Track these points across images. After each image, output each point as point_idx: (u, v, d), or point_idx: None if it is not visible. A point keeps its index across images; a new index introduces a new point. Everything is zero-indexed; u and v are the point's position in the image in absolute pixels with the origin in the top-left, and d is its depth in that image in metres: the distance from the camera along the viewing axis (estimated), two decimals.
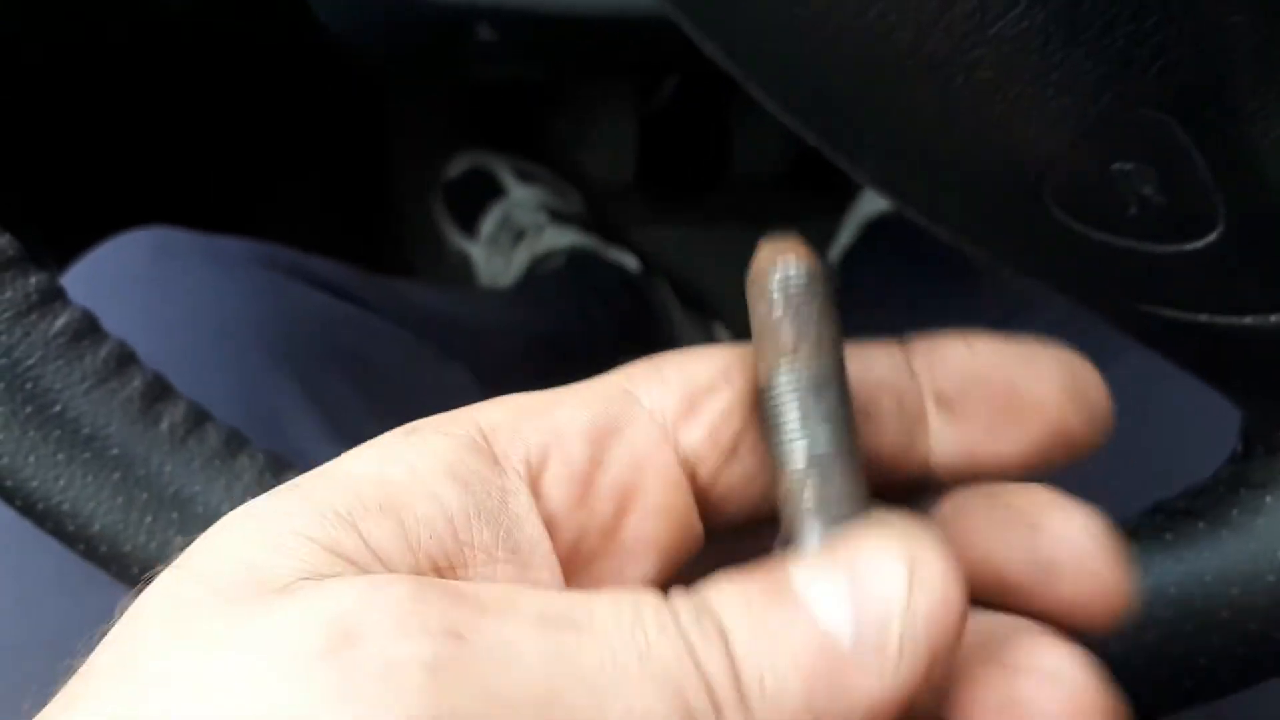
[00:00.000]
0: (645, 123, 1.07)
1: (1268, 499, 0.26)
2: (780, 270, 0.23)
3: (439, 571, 0.19)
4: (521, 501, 0.20)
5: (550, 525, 0.21)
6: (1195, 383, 0.28)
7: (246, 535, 0.19)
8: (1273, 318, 0.24)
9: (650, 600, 0.19)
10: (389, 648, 0.16)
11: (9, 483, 0.28)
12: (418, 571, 0.19)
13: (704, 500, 0.23)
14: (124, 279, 0.48)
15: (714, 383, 0.23)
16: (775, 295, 0.23)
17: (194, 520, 0.28)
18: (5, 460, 0.28)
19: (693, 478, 0.22)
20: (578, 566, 0.21)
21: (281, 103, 0.95)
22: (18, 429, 0.28)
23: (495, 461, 0.21)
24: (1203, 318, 0.25)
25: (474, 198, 1.09)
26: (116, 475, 0.28)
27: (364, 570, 0.18)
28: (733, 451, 0.23)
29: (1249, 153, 0.22)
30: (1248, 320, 0.24)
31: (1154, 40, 0.21)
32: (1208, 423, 0.31)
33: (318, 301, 0.53)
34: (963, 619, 0.19)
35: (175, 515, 0.29)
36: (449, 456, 0.20)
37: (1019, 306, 0.56)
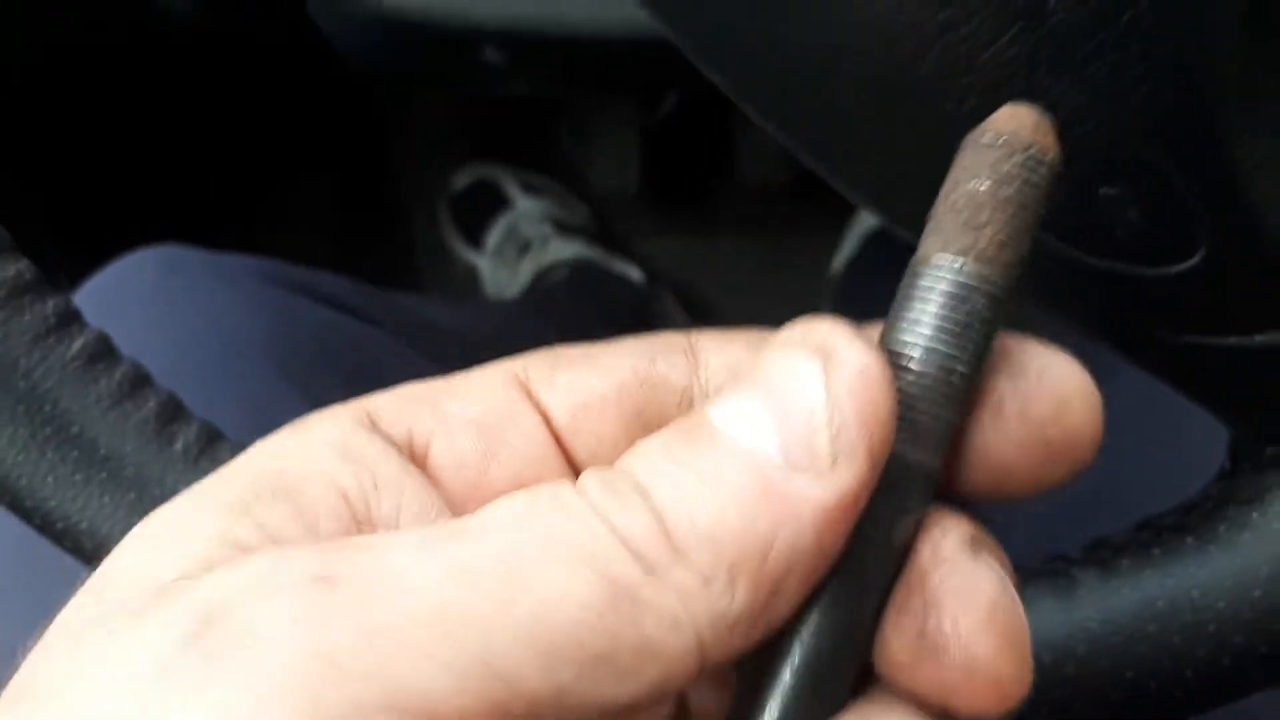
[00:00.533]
0: (648, 135, 1.08)
1: (1254, 515, 0.27)
2: (1022, 146, 0.19)
3: None
4: (415, 473, 0.20)
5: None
6: (1185, 401, 0.29)
7: (145, 544, 0.18)
8: (1257, 338, 0.25)
9: (548, 488, 0.17)
10: (250, 615, 0.16)
11: (28, 502, 0.29)
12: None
13: None
14: (133, 298, 0.49)
15: (602, 401, 0.21)
16: (1001, 169, 0.19)
17: None
18: (24, 481, 0.28)
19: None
20: None
21: (288, 114, 0.96)
22: (36, 450, 0.29)
23: (384, 438, 0.20)
24: (1188, 338, 0.25)
25: (479, 210, 1.10)
26: (132, 495, 0.29)
27: None
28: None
29: (1230, 177, 0.22)
30: (1232, 340, 0.25)
31: (1137, 69, 0.21)
32: (1198, 440, 0.31)
33: (324, 318, 0.54)
34: (890, 390, 0.18)
35: None
36: (337, 438, 0.20)
37: (1007, 330, 0.57)
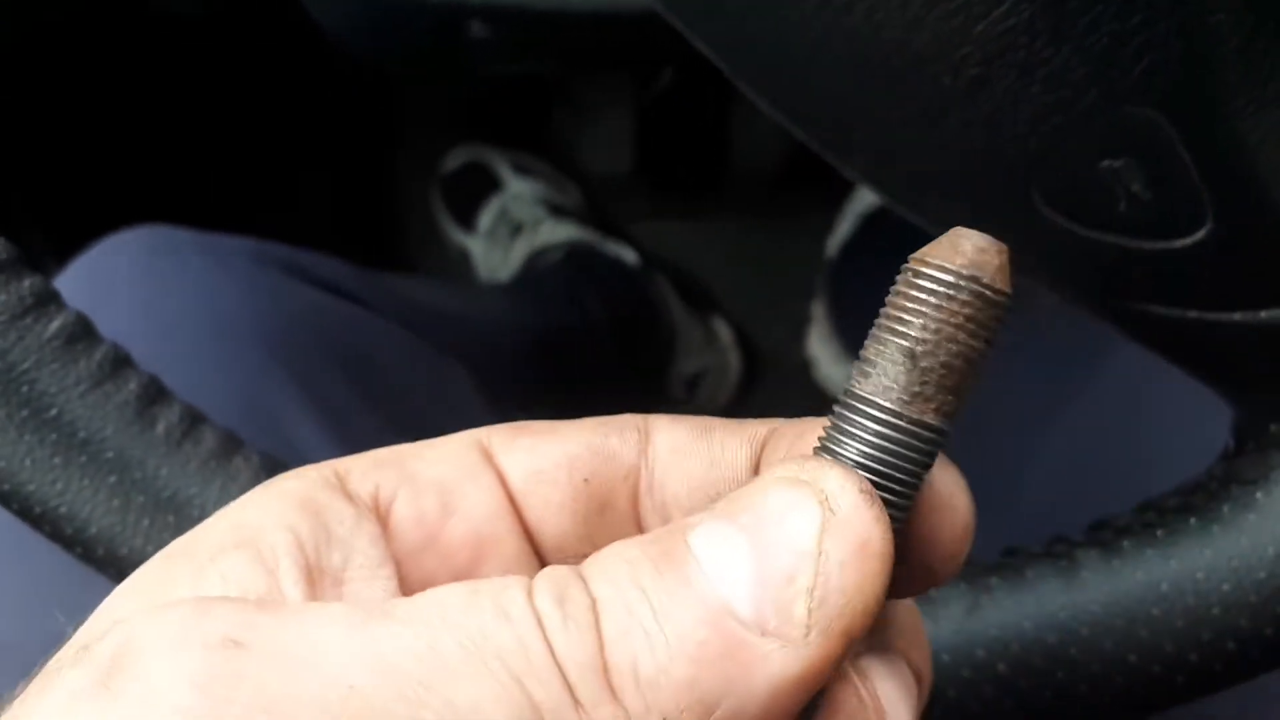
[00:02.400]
0: (643, 115, 1.07)
1: (1259, 495, 0.26)
2: (970, 284, 0.18)
3: (300, 592, 0.19)
4: (369, 529, 0.20)
5: (400, 564, 0.21)
6: (1187, 379, 0.28)
7: (118, 599, 0.19)
8: (1262, 314, 0.24)
9: (495, 585, 0.16)
10: (153, 668, 0.15)
11: (6, 486, 0.28)
12: (277, 596, 0.19)
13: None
14: (120, 278, 0.48)
15: (555, 467, 0.21)
16: (945, 310, 0.18)
17: (191, 523, 0.28)
18: (2, 464, 0.28)
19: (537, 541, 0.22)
20: None
21: (280, 99, 0.95)
22: (14, 432, 0.28)
23: (347, 495, 0.21)
24: (1192, 314, 0.25)
25: (471, 191, 1.09)
26: (113, 478, 0.28)
27: None
28: (562, 544, 0.21)
29: (1235, 149, 0.22)
30: (1237, 316, 0.24)
31: (1139, 38, 0.21)
32: (1200, 419, 0.31)
33: (315, 299, 0.53)
34: (888, 572, 0.16)
35: (172, 518, 0.29)
36: (302, 493, 0.20)
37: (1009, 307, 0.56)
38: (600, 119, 1.10)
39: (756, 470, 0.21)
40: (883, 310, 0.18)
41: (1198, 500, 0.27)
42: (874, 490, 0.17)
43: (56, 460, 0.28)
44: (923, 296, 0.18)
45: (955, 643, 0.27)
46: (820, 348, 1.00)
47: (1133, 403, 0.44)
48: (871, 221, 0.96)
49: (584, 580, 0.16)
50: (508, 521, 0.21)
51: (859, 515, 0.16)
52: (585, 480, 0.21)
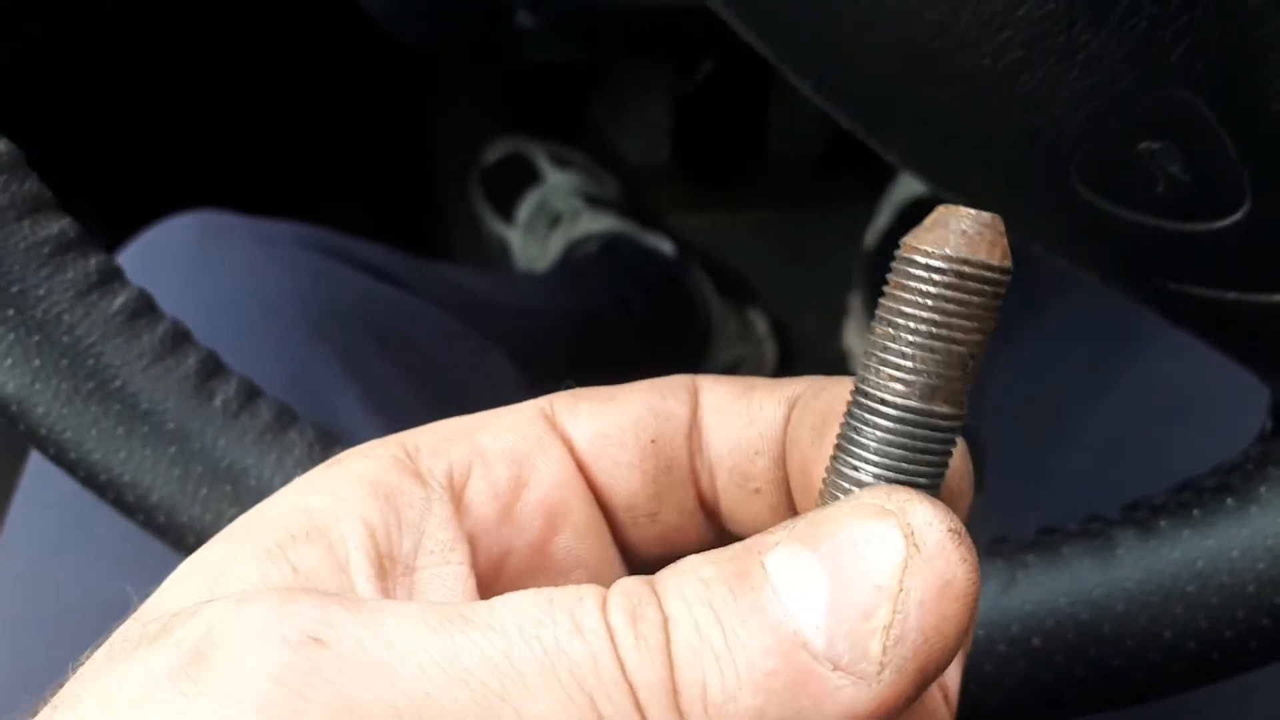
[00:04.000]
0: (680, 106, 1.07)
1: None
2: (966, 265, 0.17)
3: (372, 586, 0.19)
4: (439, 511, 0.20)
5: (475, 540, 0.21)
6: (1225, 362, 0.28)
7: (177, 584, 0.19)
8: None
9: (571, 594, 0.16)
10: (237, 661, 0.16)
11: (72, 455, 0.29)
12: (349, 589, 0.19)
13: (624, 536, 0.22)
14: (172, 260, 0.50)
15: (620, 430, 0.22)
16: (947, 296, 0.17)
17: (247, 493, 0.29)
18: (69, 434, 0.29)
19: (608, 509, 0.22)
20: (509, 583, 0.21)
21: (327, 90, 0.96)
22: (80, 404, 0.29)
23: (419, 476, 0.20)
24: (1231, 295, 0.25)
25: (511, 183, 1.10)
26: (173, 449, 0.29)
27: None
28: (633, 504, 0.22)
29: (1275, 130, 0.22)
30: (1276, 298, 0.24)
31: (1179, 20, 0.21)
32: (1236, 400, 0.31)
33: (360, 283, 0.54)
34: (973, 610, 0.16)
35: (229, 488, 0.30)
36: (372, 476, 0.20)
37: (1049, 290, 0.56)
38: (638, 110, 1.11)
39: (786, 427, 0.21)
40: (881, 300, 0.18)
41: (1234, 481, 0.27)
42: (964, 529, 0.16)
43: (120, 430, 0.29)
44: (919, 286, 0.17)
45: (991, 618, 0.28)
46: (857, 340, 1.00)
47: (1170, 384, 0.44)
48: (911, 212, 0.96)
49: (657, 597, 0.16)
50: (577, 487, 0.22)
51: (944, 554, 0.16)
52: (652, 441, 0.21)
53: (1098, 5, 0.21)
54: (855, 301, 1.01)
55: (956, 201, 0.19)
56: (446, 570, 0.20)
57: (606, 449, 0.22)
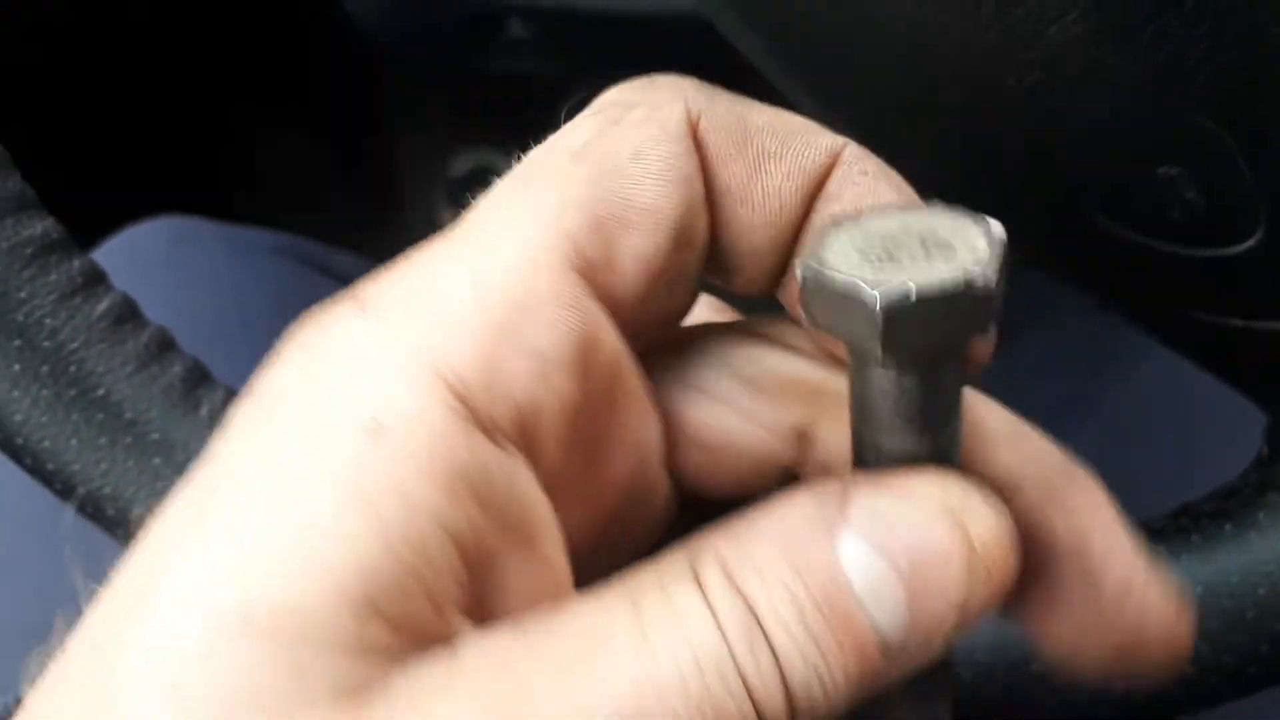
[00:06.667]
0: None
1: None
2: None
3: (461, 591, 0.16)
4: (522, 480, 0.16)
5: (554, 496, 0.17)
6: (1219, 386, 0.29)
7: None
8: None
9: (699, 630, 0.16)
10: None
11: (50, 465, 0.28)
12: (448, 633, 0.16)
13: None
14: (144, 268, 0.49)
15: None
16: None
17: None
18: (48, 443, 0.28)
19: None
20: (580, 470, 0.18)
21: (293, 101, 0.95)
22: (61, 411, 0.28)
23: (489, 434, 0.16)
24: (1236, 322, 0.25)
25: (478, 196, 1.09)
26: (158, 460, 0.28)
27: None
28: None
29: None
30: None
31: (1202, 48, 0.21)
32: (1232, 426, 0.31)
33: (333, 292, 0.53)
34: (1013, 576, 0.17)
35: None
36: (444, 454, 0.15)
37: (1041, 307, 0.56)
38: None
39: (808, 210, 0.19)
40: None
41: (1233, 507, 0.27)
42: (1010, 523, 0.17)
43: (102, 440, 0.28)
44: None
45: (993, 643, 0.27)
46: None
47: (1166, 411, 0.44)
48: None
49: (756, 616, 0.16)
50: (628, 363, 0.18)
51: (1007, 566, 0.17)
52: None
53: (1126, 30, 0.21)
54: None
55: None
56: (546, 570, 0.17)
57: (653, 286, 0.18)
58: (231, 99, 0.89)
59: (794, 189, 0.19)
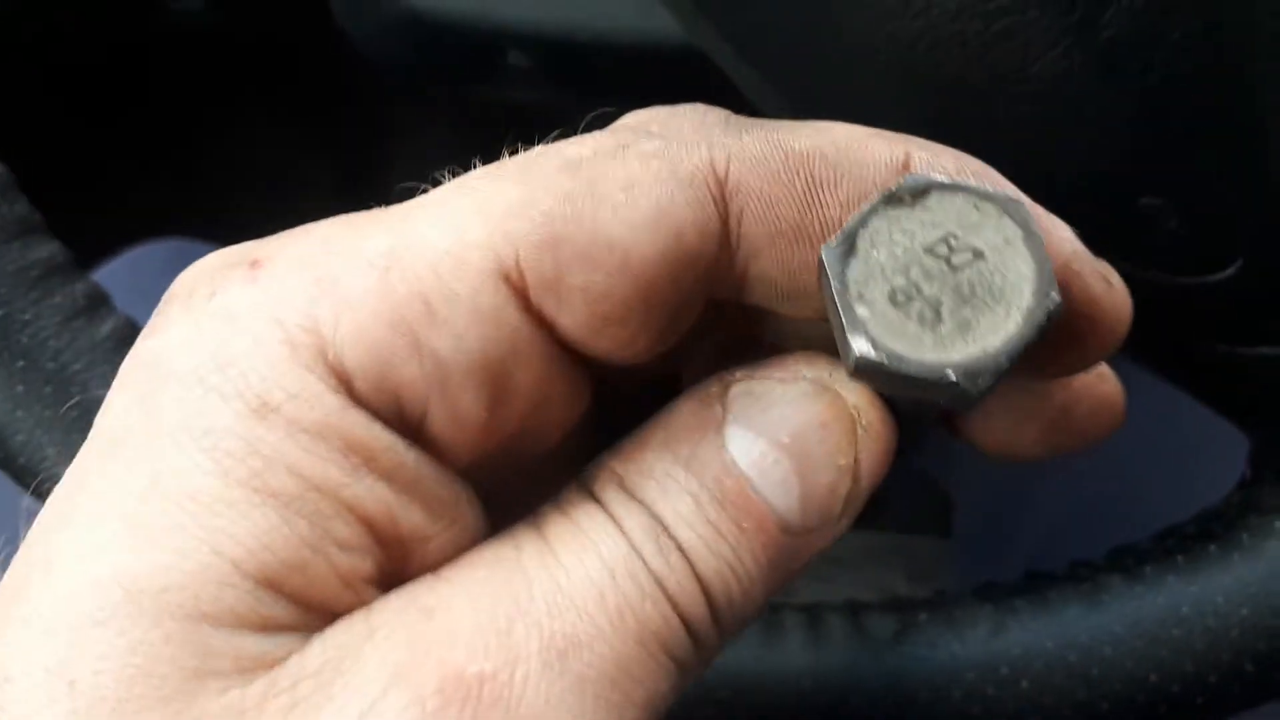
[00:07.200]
0: None
1: (1277, 523, 0.27)
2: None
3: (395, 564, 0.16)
4: (426, 467, 0.16)
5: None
6: (1202, 411, 0.29)
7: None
8: None
9: (624, 565, 0.16)
10: None
11: (50, 486, 0.28)
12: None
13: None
14: (145, 289, 0.49)
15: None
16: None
17: None
18: (52, 467, 0.28)
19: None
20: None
21: (290, 126, 0.96)
22: (62, 433, 0.28)
23: (376, 415, 0.16)
24: (1220, 347, 0.26)
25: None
26: None
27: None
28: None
29: (1272, 190, 0.23)
30: (1263, 350, 0.25)
31: (1189, 80, 0.22)
32: (1215, 449, 0.32)
33: None
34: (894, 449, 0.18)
35: None
36: (347, 440, 0.15)
37: None
38: None
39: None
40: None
41: (1217, 528, 0.28)
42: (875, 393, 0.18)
43: None
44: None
45: (980, 661, 0.28)
46: None
47: (1149, 434, 0.45)
48: None
49: (663, 519, 0.17)
50: (564, 367, 0.17)
51: (885, 427, 0.18)
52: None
53: (1112, 63, 0.22)
54: None
55: None
56: (461, 530, 0.17)
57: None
58: (228, 123, 0.90)
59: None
